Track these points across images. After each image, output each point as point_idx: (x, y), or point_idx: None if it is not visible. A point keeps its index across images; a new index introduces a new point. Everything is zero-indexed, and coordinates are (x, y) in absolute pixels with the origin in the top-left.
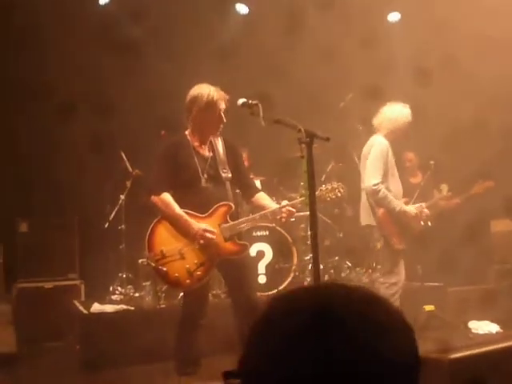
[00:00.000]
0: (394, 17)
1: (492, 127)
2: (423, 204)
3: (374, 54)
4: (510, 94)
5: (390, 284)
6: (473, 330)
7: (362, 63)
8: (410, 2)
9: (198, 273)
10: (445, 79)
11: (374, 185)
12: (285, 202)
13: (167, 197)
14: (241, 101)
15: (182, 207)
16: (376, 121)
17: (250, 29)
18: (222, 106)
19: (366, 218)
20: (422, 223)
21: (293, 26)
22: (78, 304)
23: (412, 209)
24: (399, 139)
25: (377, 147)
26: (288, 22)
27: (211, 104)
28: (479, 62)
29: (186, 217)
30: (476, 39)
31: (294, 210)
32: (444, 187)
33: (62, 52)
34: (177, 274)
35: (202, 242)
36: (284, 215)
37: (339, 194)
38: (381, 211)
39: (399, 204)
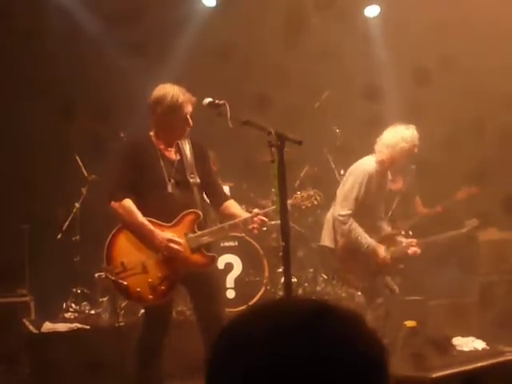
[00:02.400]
0: (373, 11)
1: (490, 127)
2: (411, 242)
3: (368, 53)
4: (508, 94)
5: (376, 305)
6: (457, 347)
7: (356, 63)
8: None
9: (162, 287)
10: (442, 79)
11: (341, 215)
12: (256, 211)
13: (129, 203)
14: (207, 100)
15: (144, 215)
16: (376, 146)
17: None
18: (189, 108)
19: (326, 239)
20: (401, 266)
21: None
22: (27, 323)
23: (380, 252)
24: (400, 166)
25: (357, 176)
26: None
27: (175, 106)
28: (477, 62)
29: (150, 225)
30: (475, 38)
31: (266, 219)
32: (473, 222)
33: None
34: (139, 289)
35: (166, 253)
36: (256, 225)
37: (315, 202)
38: (341, 242)
39: (367, 242)
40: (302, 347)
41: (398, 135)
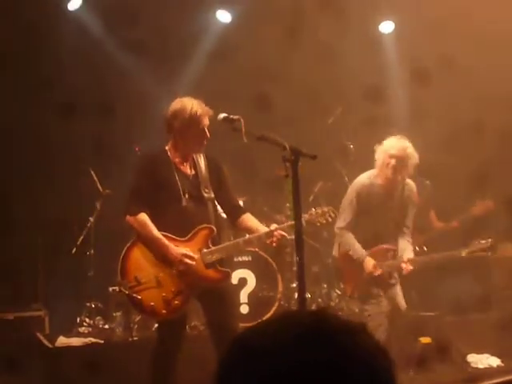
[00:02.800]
0: (388, 24)
1: (491, 129)
2: (405, 259)
3: (370, 57)
4: (508, 95)
5: (366, 316)
6: (472, 364)
7: (358, 66)
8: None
9: (176, 302)
10: (443, 81)
11: (337, 228)
12: (274, 226)
13: (144, 217)
14: (222, 115)
15: (159, 229)
16: None
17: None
18: (206, 121)
19: (334, 249)
20: (393, 281)
21: (290, 30)
22: (41, 337)
23: (369, 265)
24: (393, 176)
25: (350, 189)
26: (283, 25)
27: (194, 119)
28: (478, 63)
29: (165, 240)
30: (475, 40)
31: (285, 234)
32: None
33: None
34: (152, 303)
35: (181, 268)
36: (274, 239)
37: (330, 219)
38: (340, 252)
39: (358, 254)
40: (303, 357)
41: (382, 147)
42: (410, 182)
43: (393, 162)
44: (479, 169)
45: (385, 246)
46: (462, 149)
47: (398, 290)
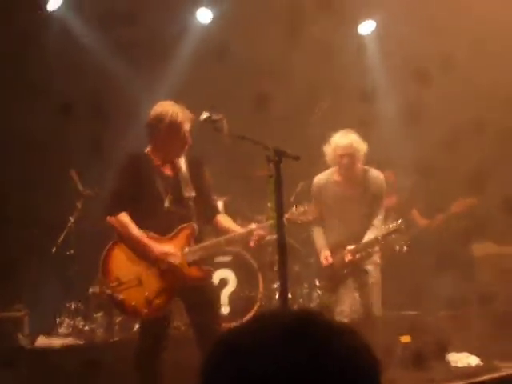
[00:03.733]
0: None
1: (490, 130)
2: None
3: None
4: (508, 96)
5: (339, 312)
6: (452, 363)
7: (355, 65)
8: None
9: (158, 301)
10: (441, 82)
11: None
12: (253, 226)
13: (125, 217)
14: (204, 115)
15: (142, 228)
16: None
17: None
18: (187, 126)
19: None
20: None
21: (290, 29)
22: (21, 337)
23: (322, 255)
24: (345, 172)
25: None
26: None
27: (175, 125)
28: (476, 64)
29: (146, 239)
30: (474, 40)
31: (264, 233)
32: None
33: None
34: (134, 303)
35: (163, 266)
36: (255, 238)
37: (310, 218)
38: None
39: (318, 246)
40: (287, 355)
41: (328, 144)
42: (373, 171)
43: (344, 160)
44: (477, 168)
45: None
46: (460, 149)
47: (376, 292)
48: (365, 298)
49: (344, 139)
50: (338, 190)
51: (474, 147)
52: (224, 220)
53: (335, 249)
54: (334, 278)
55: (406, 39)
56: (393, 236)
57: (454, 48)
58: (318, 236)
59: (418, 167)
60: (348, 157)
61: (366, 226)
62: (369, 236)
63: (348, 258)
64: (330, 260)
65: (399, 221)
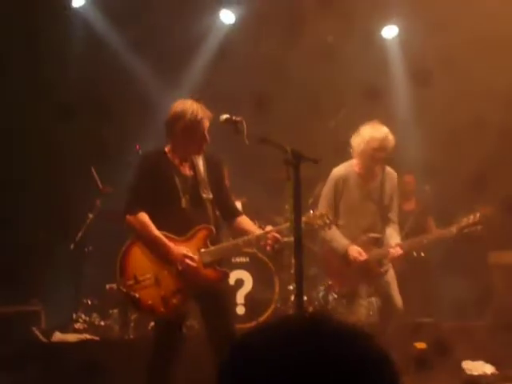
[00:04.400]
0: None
1: (491, 129)
2: (394, 244)
3: (371, 56)
4: (508, 95)
5: (354, 310)
6: (466, 371)
7: (359, 66)
8: (409, 3)
9: (174, 301)
10: (443, 81)
11: None
12: (269, 228)
13: (144, 217)
14: (224, 116)
15: (158, 228)
16: None
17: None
18: (206, 124)
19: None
20: (382, 269)
21: (290, 30)
22: (37, 332)
23: (353, 252)
24: (370, 167)
25: (328, 180)
26: (285, 25)
27: (195, 122)
28: (477, 64)
29: (165, 239)
30: (474, 40)
31: (279, 236)
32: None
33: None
34: (150, 302)
35: (180, 268)
36: (269, 241)
37: (327, 221)
38: (324, 248)
39: (341, 244)
40: (293, 356)
41: (359, 137)
42: (389, 169)
43: (377, 153)
44: (479, 168)
45: (370, 234)
46: (462, 149)
47: (394, 288)
48: (387, 296)
49: (379, 132)
50: (360, 182)
51: (491, 152)
52: (244, 221)
53: (360, 244)
54: (360, 277)
55: (409, 41)
56: (466, 230)
57: (458, 49)
58: (335, 234)
59: (431, 172)
60: (382, 150)
61: (378, 221)
62: (390, 231)
63: (397, 252)
64: (363, 257)
65: (477, 214)
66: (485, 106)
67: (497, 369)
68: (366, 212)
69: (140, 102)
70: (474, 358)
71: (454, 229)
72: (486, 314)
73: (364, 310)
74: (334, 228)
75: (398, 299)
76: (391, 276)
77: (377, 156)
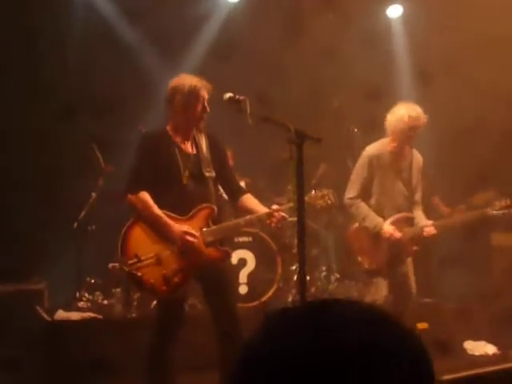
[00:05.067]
0: (394, 12)
1: (493, 128)
2: (427, 224)
3: (374, 52)
4: (510, 95)
5: (375, 288)
6: (468, 351)
7: (362, 62)
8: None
9: (176, 280)
10: (445, 81)
11: (348, 198)
12: (275, 207)
13: (145, 195)
14: (227, 95)
15: (160, 207)
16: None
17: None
18: (205, 94)
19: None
20: (415, 247)
21: (291, 25)
22: (40, 310)
23: (388, 229)
24: (406, 145)
25: (360, 158)
26: (286, 20)
27: (194, 92)
28: (480, 63)
29: (166, 218)
30: (477, 40)
31: (286, 215)
32: (503, 202)
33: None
34: (152, 281)
35: (182, 245)
36: (274, 220)
37: (329, 202)
38: (354, 226)
39: (374, 222)
40: (307, 337)
41: (396, 116)
42: (416, 152)
43: (412, 132)
44: (481, 167)
45: (404, 214)
46: (466, 147)
47: (411, 274)
48: (404, 279)
49: (415, 111)
50: (392, 161)
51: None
52: (249, 199)
53: (393, 222)
54: (392, 253)
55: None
56: (501, 212)
57: (457, 47)
58: (368, 211)
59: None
60: (417, 128)
61: (406, 201)
62: (418, 213)
63: (431, 231)
64: (398, 235)
65: (508, 199)
66: (486, 103)
67: (498, 349)
68: (397, 192)
69: (143, 84)
70: (475, 339)
71: (490, 210)
72: (488, 296)
73: (384, 291)
74: (364, 204)
75: (414, 285)
76: (409, 261)
77: (413, 134)
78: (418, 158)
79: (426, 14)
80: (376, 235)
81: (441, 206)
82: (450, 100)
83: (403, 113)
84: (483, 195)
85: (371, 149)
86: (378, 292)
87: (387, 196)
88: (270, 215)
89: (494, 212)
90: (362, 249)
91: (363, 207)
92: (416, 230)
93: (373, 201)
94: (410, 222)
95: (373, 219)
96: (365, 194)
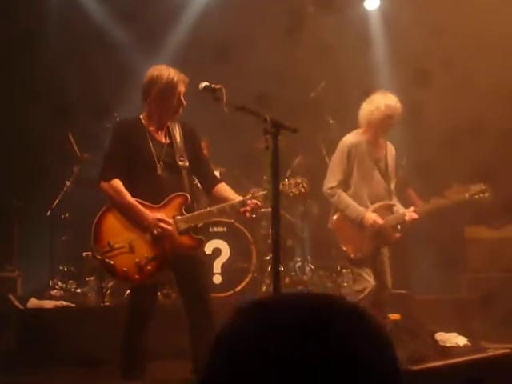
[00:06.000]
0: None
1: (490, 129)
2: (408, 210)
3: (368, 52)
4: (508, 95)
5: (355, 292)
6: (440, 343)
7: (355, 62)
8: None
9: (149, 268)
10: (442, 80)
11: (328, 188)
12: (248, 195)
13: (118, 183)
14: (203, 84)
15: (133, 196)
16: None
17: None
18: (182, 88)
19: (330, 219)
20: (398, 234)
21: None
22: (13, 298)
23: (371, 217)
24: (382, 134)
25: (338, 148)
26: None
27: (171, 85)
28: (476, 63)
29: (139, 206)
30: (474, 40)
31: (259, 203)
32: (478, 186)
33: None
34: (125, 269)
35: (155, 232)
36: (248, 208)
37: (303, 190)
38: (336, 216)
39: (356, 211)
40: (308, 352)
41: (372, 105)
42: (389, 143)
43: (389, 120)
44: (478, 167)
45: (384, 202)
46: (461, 147)
47: (387, 268)
48: (381, 273)
49: (392, 100)
50: (370, 150)
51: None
52: (223, 188)
53: (375, 210)
54: (375, 241)
55: (406, 36)
56: (477, 196)
57: (454, 46)
58: (349, 200)
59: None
60: (393, 117)
61: (384, 190)
62: (395, 202)
63: (413, 216)
64: (381, 221)
65: (482, 184)
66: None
67: (469, 341)
68: (375, 181)
69: (118, 70)
70: (447, 330)
71: (466, 194)
72: (461, 288)
73: (372, 279)
74: (346, 195)
75: (389, 277)
76: (386, 251)
77: (389, 123)
78: (391, 148)
79: (404, 8)
80: (359, 224)
81: (414, 198)
82: (446, 101)
83: (380, 101)
84: (459, 188)
85: (349, 138)
86: (367, 280)
87: (366, 185)
88: (243, 203)
89: (470, 196)
90: (346, 238)
91: (345, 197)
92: (398, 216)
93: (352, 190)
94: (390, 209)
95: (355, 208)
96: (344, 183)
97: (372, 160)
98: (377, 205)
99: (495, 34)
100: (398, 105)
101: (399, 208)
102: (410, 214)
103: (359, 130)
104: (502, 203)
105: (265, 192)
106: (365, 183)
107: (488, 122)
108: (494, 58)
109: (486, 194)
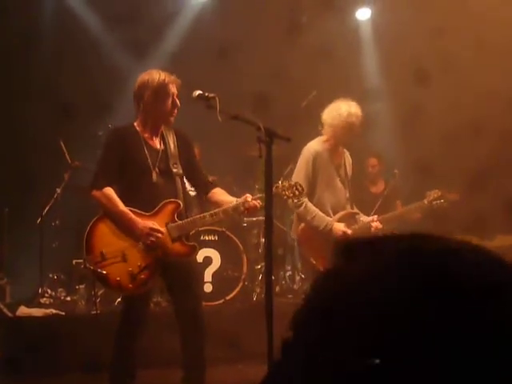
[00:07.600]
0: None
1: (488, 130)
2: (373, 218)
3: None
4: (508, 96)
5: None
6: None
7: (348, 70)
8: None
9: (142, 276)
10: (441, 81)
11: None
12: (240, 199)
13: (110, 191)
14: (196, 92)
15: (127, 204)
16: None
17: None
18: (174, 89)
19: (293, 230)
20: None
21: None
22: (1, 306)
23: (339, 227)
24: (344, 143)
25: (302, 156)
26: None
27: (163, 86)
28: (476, 63)
29: (131, 214)
30: (474, 40)
31: (258, 204)
32: (434, 192)
33: None
34: (118, 278)
35: (148, 242)
36: (247, 211)
37: (297, 193)
38: (301, 226)
39: (324, 221)
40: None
41: (335, 112)
42: (346, 151)
43: (353, 129)
44: (477, 168)
45: (348, 211)
46: (460, 147)
47: None
48: None
49: (355, 108)
50: (331, 158)
51: (468, 146)
52: (218, 193)
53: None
54: None
55: (404, 37)
56: (435, 203)
57: (453, 47)
58: (316, 210)
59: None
60: (355, 125)
61: (346, 198)
62: (356, 210)
63: (378, 226)
64: (349, 231)
65: (437, 190)
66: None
67: None
68: (337, 189)
69: (111, 78)
70: None
71: (425, 201)
72: None
73: None
74: (311, 206)
75: None
76: None
77: (349, 131)
78: (348, 156)
79: (423, 17)
80: (326, 234)
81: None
82: (444, 102)
83: (342, 109)
84: (437, 192)
85: (313, 145)
86: None
87: (330, 193)
88: (236, 208)
89: (429, 203)
90: (314, 250)
91: (311, 206)
92: (364, 226)
93: (315, 199)
94: (354, 218)
95: (322, 218)
96: (309, 192)
97: (333, 167)
98: (340, 214)
99: (495, 34)
100: (360, 113)
101: (362, 216)
102: (374, 224)
103: (321, 138)
104: (502, 203)
105: (262, 195)
106: (329, 191)
107: (488, 122)
108: (493, 59)
109: (443, 201)
